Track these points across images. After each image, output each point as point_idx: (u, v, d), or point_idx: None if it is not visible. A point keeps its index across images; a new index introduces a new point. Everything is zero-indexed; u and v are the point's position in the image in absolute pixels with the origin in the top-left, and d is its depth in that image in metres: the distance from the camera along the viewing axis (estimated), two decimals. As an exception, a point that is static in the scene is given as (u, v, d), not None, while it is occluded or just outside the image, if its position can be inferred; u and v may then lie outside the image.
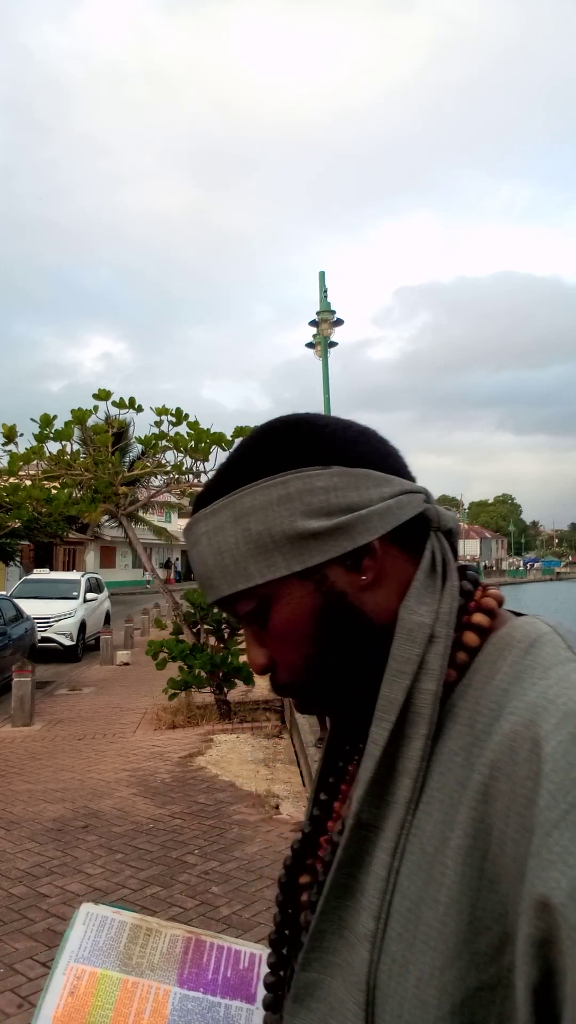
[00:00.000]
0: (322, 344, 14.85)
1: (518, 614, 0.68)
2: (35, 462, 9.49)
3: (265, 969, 0.75)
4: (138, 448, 14.22)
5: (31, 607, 13.55)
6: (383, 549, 0.66)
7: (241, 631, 9.25)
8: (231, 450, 0.73)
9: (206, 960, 0.83)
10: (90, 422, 9.61)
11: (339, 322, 14.97)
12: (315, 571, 0.65)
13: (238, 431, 9.17)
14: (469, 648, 0.64)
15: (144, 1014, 0.78)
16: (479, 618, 0.65)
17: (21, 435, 9.34)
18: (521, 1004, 0.49)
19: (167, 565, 46.17)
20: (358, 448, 0.68)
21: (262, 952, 0.82)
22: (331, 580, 0.65)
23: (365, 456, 0.68)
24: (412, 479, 0.72)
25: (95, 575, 18.32)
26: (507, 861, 0.51)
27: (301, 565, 0.64)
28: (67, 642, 14.50)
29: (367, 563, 0.65)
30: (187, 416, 9.38)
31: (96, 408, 9.47)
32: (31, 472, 9.89)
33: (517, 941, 0.50)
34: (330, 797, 0.75)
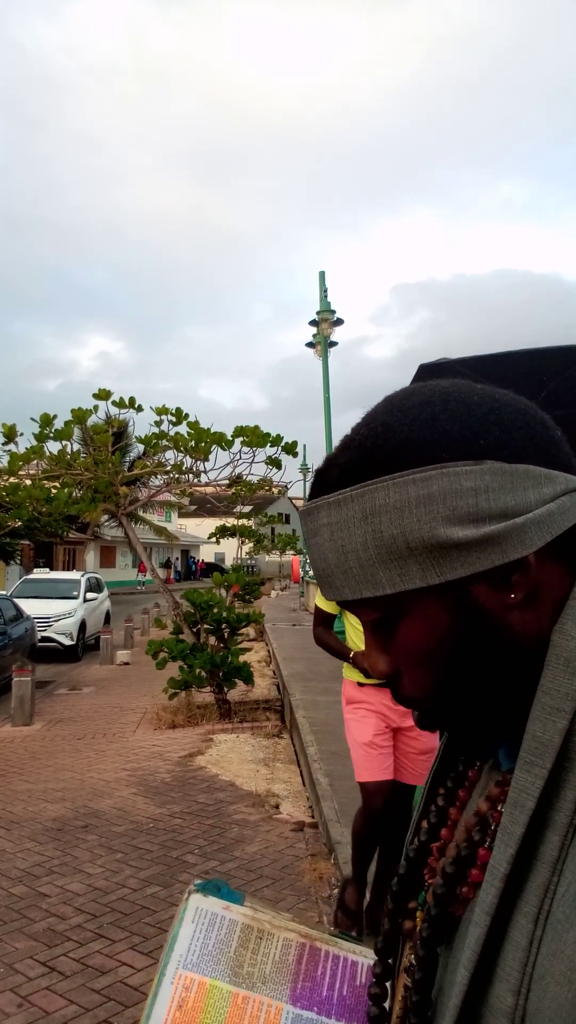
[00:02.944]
0: (322, 344, 14.85)
1: None
2: (35, 462, 9.49)
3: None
4: (138, 448, 14.24)
5: (31, 607, 13.53)
6: (538, 563, 0.57)
7: (241, 632, 9.28)
8: (361, 424, 0.62)
9: (320, 973, 0.77)
10: (90, 422, 9.61)
11: (339, 322, 14.99)
12: (455, 585, 0.56)
13: (238, 431, 9.16)
14: None
15: None
16: None
17: (21, 435, 9.34)
18: None
19: (167, 565, 46.17)
20: (516, 436, 0.57)
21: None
22: (474, 597, 0.57)
23: (525, 446, 0.57)
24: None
25: (95, 575, 18.31)
26: None
27: (440, 578, 0.55)
28: (67, 642, 14.49)
29: (517, 579, 0.56)
30: (187, 416, 9.39)
31: (96, 408, 9.48)
32: (31, 472, 9.89)
33: None
34: (447, 802, 0.69)
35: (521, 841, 0.53)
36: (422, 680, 0.60)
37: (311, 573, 0.67)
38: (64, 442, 9.42)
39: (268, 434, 9.22)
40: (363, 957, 0.79)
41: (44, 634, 13.91)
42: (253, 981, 0.75)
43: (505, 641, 0.57)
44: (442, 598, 0.57)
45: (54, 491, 9.83)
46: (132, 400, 9.56)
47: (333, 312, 14.92)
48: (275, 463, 9.34)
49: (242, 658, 8.80)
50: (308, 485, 0.66)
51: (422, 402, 0.59)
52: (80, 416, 9.35)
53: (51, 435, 9.23)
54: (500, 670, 0.58)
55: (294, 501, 59.20)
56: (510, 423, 0.58)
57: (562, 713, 0.53)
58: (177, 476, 9.70)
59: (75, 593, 15.63)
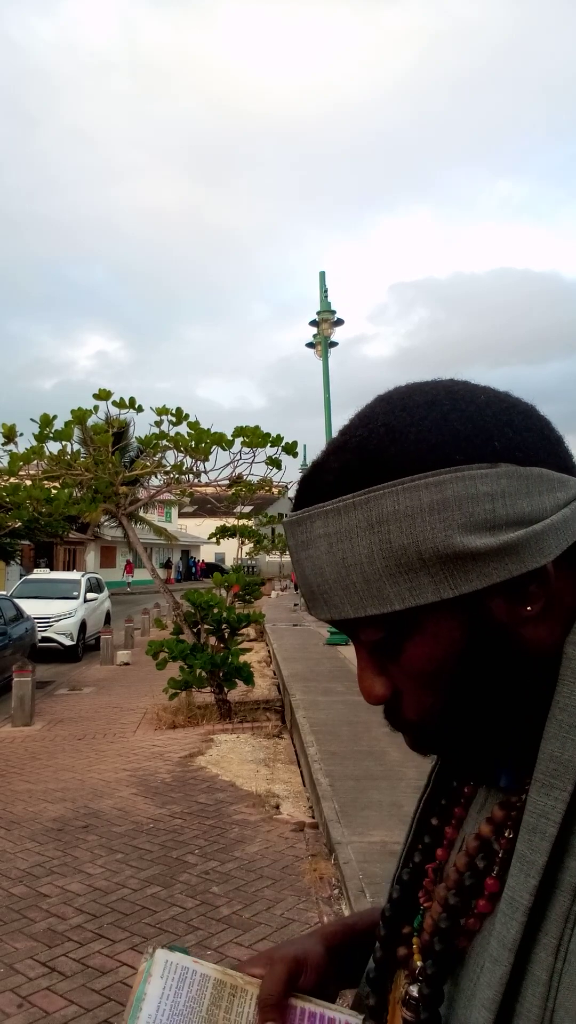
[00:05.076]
0: (322, 344, 14.84)
1: None
2: (35, 462, 9.49)
3: None
4: (138, 448, 14.24)
5: (31, 607, 13.54)
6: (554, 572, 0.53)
7: (241, 632, 9.27)
8: (356, 426, 0.57)
9: None
10: (90, 422, 9.62)
11: (339, 322, 14.97)
12: (469, 599, 0.52)
13: (238, 431, 9.16)
14: None
15: None
16: None
17: (21, 435, 9.35)
18: None
19: (167, 565, 46.15)
20: (528, 438, 0.54)
21: (357, 1021, 0.71)
22: (488, 610, 0.53)
23: (537, 449, 0.54)
24: None
25: (95, 575, 18.31)
26: None
27: (454, 592, 0.51)
28: (67, 642, 14.49)
29: (535, 590, 0.52)
30: (187, 416, 9.39)
31: (96, 408, 9.48)
32: (31, 472, 9.89)
33: None
34: (441, 821, 0.66)
35: (546, 869, 0.49)
36: (427, 701, 0.56)
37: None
38: (64, 442, 9.42)
39: (268, 434, 9.22)
40: (339, 1013, 0.73)
41: (44, 634, 13.92)
42: None
43: (518, 656, 0.53)
44: (454, 613, 0.52)
45: (54, 491, 9.83)
46: (132, 400, 9.56)
47: (333, 312, 14.91)
48: (275, 463, 9.34)
49: (242, 658, 8.80)
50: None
51: (428, 401, 0.55)
52: (80, 416, 9.35)
53: (51, 435, 9.23)
54: (511, 686, 0.54)
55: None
56: (521, 424, 0.54)
57: None
58: (177, 476, 9.70)
59: (75, 593, 15.63)
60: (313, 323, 14.99)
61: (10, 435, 9.26)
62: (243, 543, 23.05)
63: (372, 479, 0.52)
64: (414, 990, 0.60)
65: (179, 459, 9.51)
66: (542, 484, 0.52)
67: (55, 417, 9.25)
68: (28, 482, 9.68)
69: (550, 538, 0.52)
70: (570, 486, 0.54)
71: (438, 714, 0.56)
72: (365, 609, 0.53)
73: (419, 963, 0.61)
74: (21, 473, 9.48)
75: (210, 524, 18.09)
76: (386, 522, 0.51)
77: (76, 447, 9.77)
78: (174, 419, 9.36)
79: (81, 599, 15.46)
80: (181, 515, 51.40)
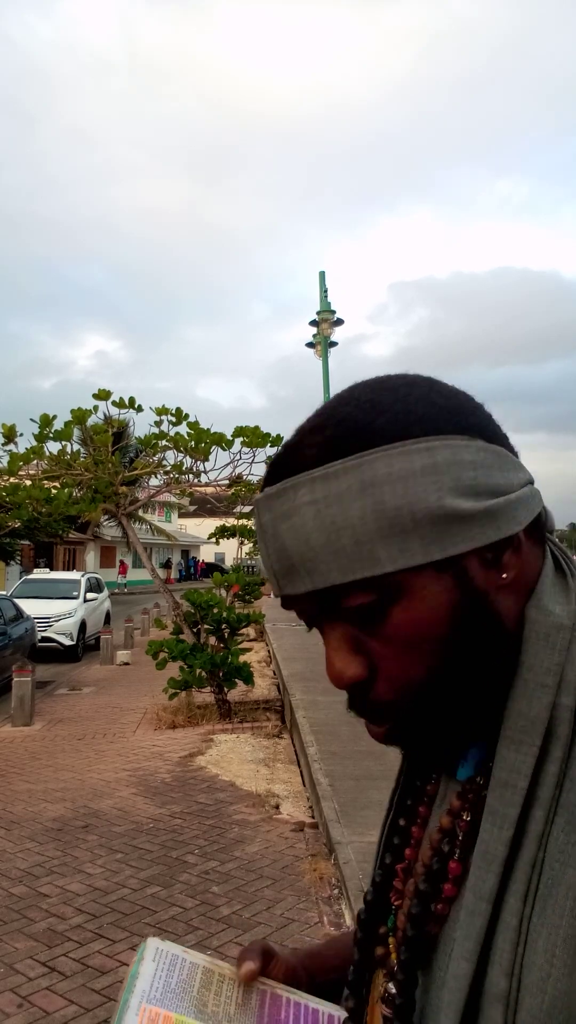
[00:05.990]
0: (322, 344, 14.85)
1: None
2: (35, 462, 9.49)
3: (343, 1015, 0.69)
4: (138, 448, 14.25)
5: (31, 607, 13.54)
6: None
7: (241, 632, 9.27)
8: (337, 405, 0.59)
9: (284, 1017, 0.75)
10: (90, 422, 9.62)
11: (339, 322, 14.98)
12: (454, 562, 0.54)
13: (238, 431, 9.16)
14: None
15: None
16: None
17: (21, 435, 9.34)
18: None
19: (167, 565, 46.14)
20: (491, 423, 0.59)
21: (341, 1014, 0.74)
22: (470, 576, 0.54)
23: (497, 433, 0.59)
24: None
25: (95, 575, 18.31)
26: None
27: (441, 553, 0.53)
28: (67, 642, 14.50)
29: (509, 558, 0.56)
30: (187, 416, 9.38)
31: (96, 408, 9.48)
32: (31, 472, 9.89)
33: None
34: (408, 822, 0.68)
35: (517, 822, 0.52)
36: (410, 673, 0.56)
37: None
38: (64, 442, 9.42)
39: (268, 434, 9.22)
40: (321, 1005, 0.77)
41: (44, 634, 13.91)
42: (219, 1019, 0.72)
43: (494, 623, 0.55)
44: (442, 576, 0.54)
45: (54, 491, 9.84)
46: (132, 400, 9.56)
47: (333, 312, 14.92)
48: (275, 463, 9.33)
49: (242, 658, 8.80)
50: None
51: (407, 383, 0.59)
52: (80, 416, 9.35)
53: (51, 435, 9.23)
54: (487, 654, 0.56)
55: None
56: (484, 411, 0.60)
57: (547, 688, 0.53)
58: (177, 476, 9.70)
59: (75, 593, 15.63)
60: (313, 323, 15.01)
61: (10, 435, 9.26)
62: (243, 543, 23.06)
63: (360, 448, 0.54)
64: (392, 987, 0.61)
65: (179, 459, 9.52)
66: (507, 462, 0.57)
67: (55, 417, 9.26)
68: (28, 482, 9.68)
69: (521, 509, 0.56)
70: (524, 471, 0.60)
71: (419, 686, 0.56)
72: (354, 572, 0.53)
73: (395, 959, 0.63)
74: (21, 473, 9.48)
75: (210, 524, 18.10)
76: (379, 484, 0.53)
77: (76, 447, 9.77)
78: (174, 419, 9.36)
79: (81, 599, 15.46)
80: (181, 515, 51.41)
